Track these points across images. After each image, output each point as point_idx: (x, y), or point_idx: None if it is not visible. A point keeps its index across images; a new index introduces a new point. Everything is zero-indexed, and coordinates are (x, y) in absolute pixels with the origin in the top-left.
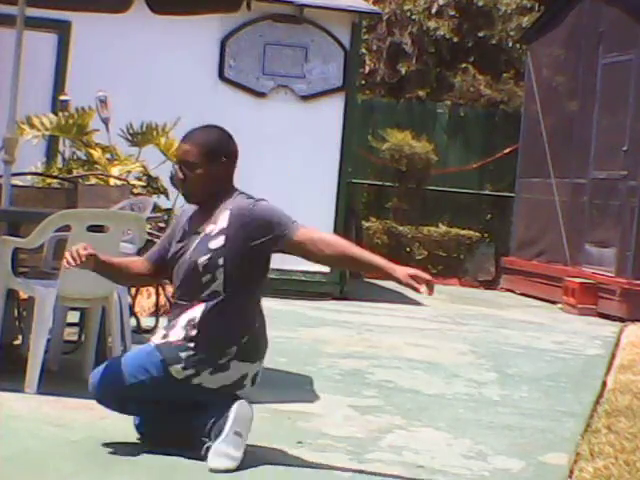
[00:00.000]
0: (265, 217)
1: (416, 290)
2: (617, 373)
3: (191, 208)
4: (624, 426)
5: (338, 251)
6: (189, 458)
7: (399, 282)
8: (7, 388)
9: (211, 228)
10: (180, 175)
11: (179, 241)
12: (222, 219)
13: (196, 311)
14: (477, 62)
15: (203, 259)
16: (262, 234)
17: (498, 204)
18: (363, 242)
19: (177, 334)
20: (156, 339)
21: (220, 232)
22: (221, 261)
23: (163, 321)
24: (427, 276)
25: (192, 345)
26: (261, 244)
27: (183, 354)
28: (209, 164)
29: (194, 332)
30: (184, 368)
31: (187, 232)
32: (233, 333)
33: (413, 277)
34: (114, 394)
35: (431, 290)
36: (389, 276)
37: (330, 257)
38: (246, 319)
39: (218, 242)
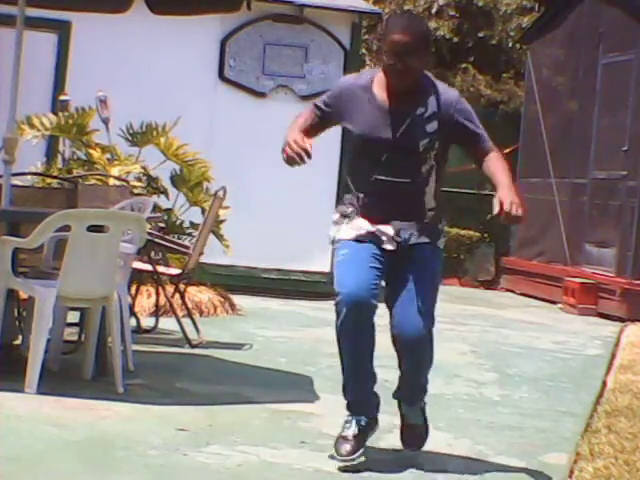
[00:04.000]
0: (470, 111)
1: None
2: (617, 373)
3: (357, 84)
4: (624, 426)
5: (489, 172)
6: (189, 458)
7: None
8: (7, 388)
9: (421, 110)
10: (400, 65)
11: (375, 111)
12: (431, 104)
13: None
14: (477, 62)
15: (423, 142)
16: (464, 128)
17: None
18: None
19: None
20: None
21: (433, 116)
22: (436, 145)
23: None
24: (513, 201)
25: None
26: (460, 133)
27: (440, 226)
28: (429, 53)
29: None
30: (444, 235)
31: (379, 107)
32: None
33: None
34: None
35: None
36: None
37: (485, 170)
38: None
39: (432, 126)
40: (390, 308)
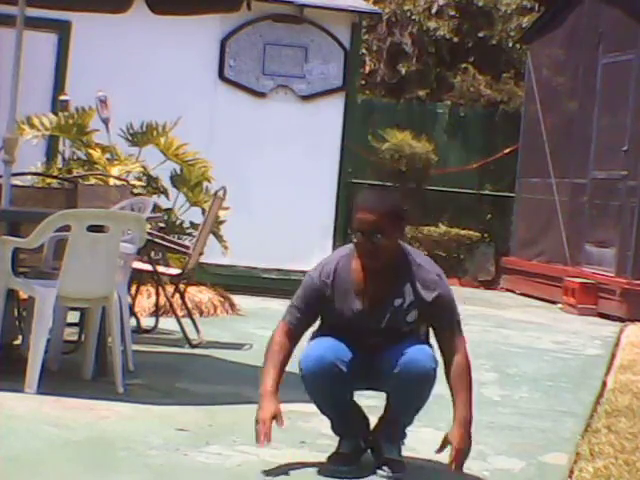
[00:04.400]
0: (448, 302)
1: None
2: (617, 373)
3: (339, 270)
4: (624, 426)
5: (453, 384)
6: (189, 458)
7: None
8: (7, 388)
9: (399, 302)
10: (368, 245)
11: (352, 307)
12: (408, 292)
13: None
14: (477, 62)
15: (405, 329)
16: (441, 313)
17: (498, 204)
18: None
19: None
20: None
21: (411, 305)
22: (422, 329)
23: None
24: (457, 452)
25: None
26: (436, 323)
27: None
28: (399, 229)
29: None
30: None
31: (357, 295)
32: None
33: (455, 458)
34: None
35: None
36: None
37: (447, 375)
38: None
39: (413, 315)
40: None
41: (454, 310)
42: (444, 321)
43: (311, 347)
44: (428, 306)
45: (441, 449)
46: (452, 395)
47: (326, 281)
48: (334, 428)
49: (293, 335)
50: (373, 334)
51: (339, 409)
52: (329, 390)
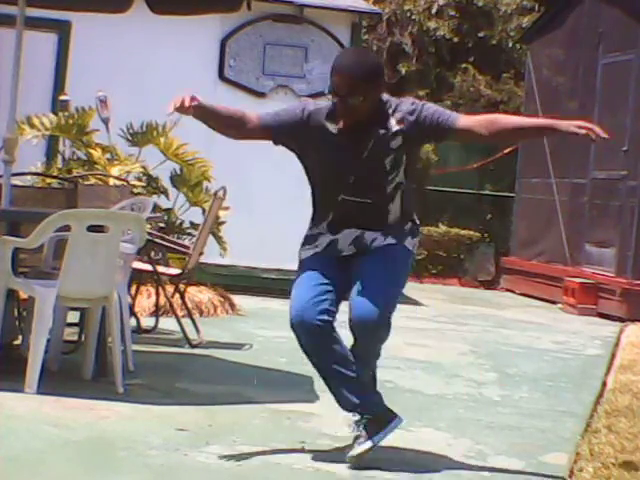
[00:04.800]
0: (433, 107)
1: (585, 135)
2: (617, 373)
3: (319, 109)
4: (624, 426)
5: (502, 126)
6: (189, 458)
7: (568, 133)
8: (7, 388)
9: (383, 131)
10: (343, 104)
11: (333, 141)
12: (391, 124)
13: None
14: (477, 62)
15: (388, 159)
16: (432, 118)
17: (498, 204)
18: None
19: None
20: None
21: (396, 134)
22: (404, 157)
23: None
24: (589, 125)
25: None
26: (433, 135)
27: (407, 227)
28: (377, 88)
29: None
30: (413, 236)
31: (334, 135)
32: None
33: (578, 127)
34: None
35: (597, 136)
36: (555, 132)
37: (498, 134)
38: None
39: (397, 142)
40: (348, 299)
41: (443, 110)
42: (441, 120)
43: (293, 297)
44: (416, 124)
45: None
46: (518, 138)
47: (305, 116)
48: (336, 398)
49: (253, 121)
50: (356, 171)
51: (331, 361)
52: (318, 346)
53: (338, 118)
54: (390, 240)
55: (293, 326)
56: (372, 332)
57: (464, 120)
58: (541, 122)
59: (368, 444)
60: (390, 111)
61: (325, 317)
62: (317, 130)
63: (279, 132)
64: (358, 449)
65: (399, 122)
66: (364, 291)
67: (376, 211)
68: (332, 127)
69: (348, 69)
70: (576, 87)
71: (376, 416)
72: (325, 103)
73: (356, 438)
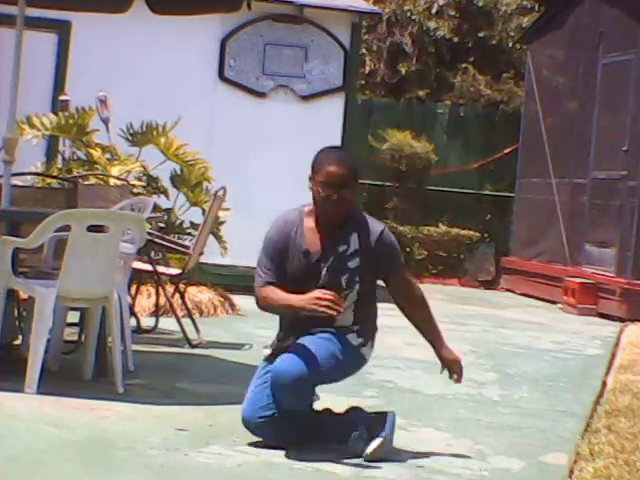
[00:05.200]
0: (390, 243)
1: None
2: (617, 373)
3: (290, 226)
4: (624, 426)
5: (420, 317)
6: (189, 458)
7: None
8: (7, 388)
9: (343, 248)
10: (335, 197)
11: (301, 257)
12: (353, 240)
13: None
14: (477, 62)
15: (344, 277)
16: (385, 256)
17: (498, 204)
18: None
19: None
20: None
21: (355, 253)
22: (357, 278)
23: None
24: (461, 368)
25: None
26: (384, 268)
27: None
28: (357, 186)
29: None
30: (358, 336)
31: (308, 250)
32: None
33: (451, 365)
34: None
35: (459, 378)
36: (438, 354)
37: (411, 316)
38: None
39: (355, 262)
40: None
41: (398, 254)
42: (390, 264)
43: (245, 399)
44: (372, 251)
45: (448, 370)
46: (421, 326)
47: (283, 242)
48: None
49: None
50: (313, 286)
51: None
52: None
53: (326, 215)
54: (334, 332)
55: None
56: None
57: (408, 280)
58: (436, 340)
59: (379, 440)
60: (358, 225)
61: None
62: (290, 242)
63: (280, 269)
64: (373, 445)
65: (361, 243)
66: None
67: (326, 320)
68: (305, 236)
69: (346, 161)
70: (576, 87)
71: (370, 425)
72: (289, 219)
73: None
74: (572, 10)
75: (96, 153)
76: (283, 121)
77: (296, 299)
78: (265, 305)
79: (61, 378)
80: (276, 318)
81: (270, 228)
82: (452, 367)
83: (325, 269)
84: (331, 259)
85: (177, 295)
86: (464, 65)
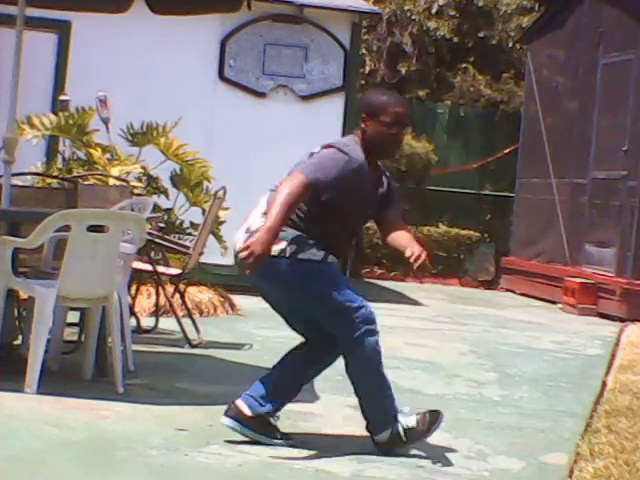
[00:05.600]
0: (395, 186)
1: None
2: (617, 373)
3: (359, 159)
4: (624, 426)
5: (405, 239)
6: (189, 458)
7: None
8: (7, 388)
9: (382, 190)
10: (402, 135)
11: (364, 193)
12: (384, 181)
13: None
14: (477, 62)
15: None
16: (395, 196)
17: (498, 204)
18: (363, 242)
19: None
20: None
21: (379, 190)
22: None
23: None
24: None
25: None
26: (390, 203)
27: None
28: None
29: None
30: None
31: (372, 183)
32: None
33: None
34: None
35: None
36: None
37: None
38: None
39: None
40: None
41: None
42: (396, 202)
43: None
44: (389, 191)
45: (415, 267)
46: (400, 244)
47: (355, 169)
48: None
49: (307, 194)
50: (360, 226)
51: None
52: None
53: (390, 151)
54: None
55: (373, 321)
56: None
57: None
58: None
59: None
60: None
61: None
62: (362, 177)
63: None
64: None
65: (387, 182)
66: None
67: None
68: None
69: (405, 102)
70: (576, 87)
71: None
72: (352, 146)
73: None
74: (572, 10)
75: (96, 153)
76: (283, 121)
77: (272, 230)
78: (292, 193)
79: (61, 378)
80: (276, 318)
81: (352, 159)
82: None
83: (370, 211)
84: (375, 203)
85: (177, 295)
86: (464, 65)
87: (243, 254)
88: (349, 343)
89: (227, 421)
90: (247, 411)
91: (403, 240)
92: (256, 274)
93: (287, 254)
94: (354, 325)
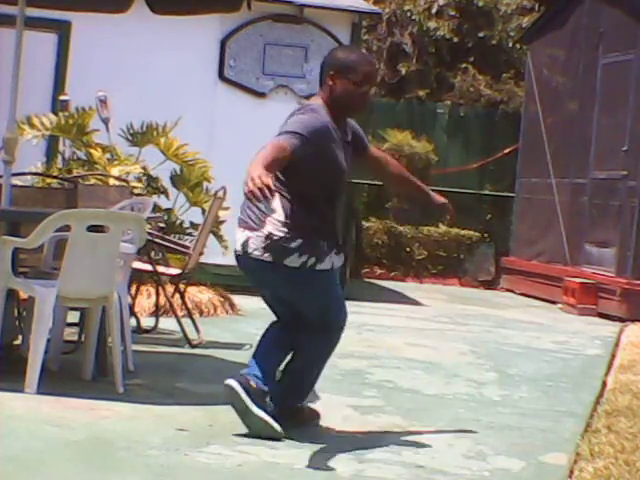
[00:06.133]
0: (359, 128)
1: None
2: (617, 373)
3: (326, 120)
4: (624, 426)
5: (402, 177)
6: (189, 458)
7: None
8: (7, 388)
9: (348, 139)
10: (370, 92)
11: (340, 148)
12: (348, 131)
13: None
14: (477, 62)
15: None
16: (362, 140)
17: (498, 204)
18: (363, 242)
19: None
20: None
21: (349, 143)
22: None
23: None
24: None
25: None
26: (360, 147)
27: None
28: None
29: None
30: None
31: (341, 141)
32: None
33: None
34: None
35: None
36: (428, 202)
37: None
38: None
39: (350, 150)
40: None
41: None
42: (365, 141)
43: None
44: (356, 135)
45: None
46: (403, 184)
47: (325, 137)
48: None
49: (285, 156)
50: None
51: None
52: None
53: (358, 109)
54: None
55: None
56: None
57: (381, 152)
58: (424, 189)
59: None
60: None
61: None
62: (331, 136)
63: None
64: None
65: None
66: None
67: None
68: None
69: (372, 59)
70: (576, 87)
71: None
72: (317, 108)
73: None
74: (572, 10)
75: (96, 153)
76: (283, 121)
77: (253, 170)
78: (275, 152)
79: (61, 378)
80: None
81: (314, 119)
82: (443, 208)
83: (348, 160)
84: (349, 155)
85: (177, 295)
86: (464, 65)
87: (249, 185)
88: (320, 327)
89: (231, 381)
90: (253, 383)
91: (412, 184)
92: (267, 270)
93: (298, 265)
94: (332, 316)
